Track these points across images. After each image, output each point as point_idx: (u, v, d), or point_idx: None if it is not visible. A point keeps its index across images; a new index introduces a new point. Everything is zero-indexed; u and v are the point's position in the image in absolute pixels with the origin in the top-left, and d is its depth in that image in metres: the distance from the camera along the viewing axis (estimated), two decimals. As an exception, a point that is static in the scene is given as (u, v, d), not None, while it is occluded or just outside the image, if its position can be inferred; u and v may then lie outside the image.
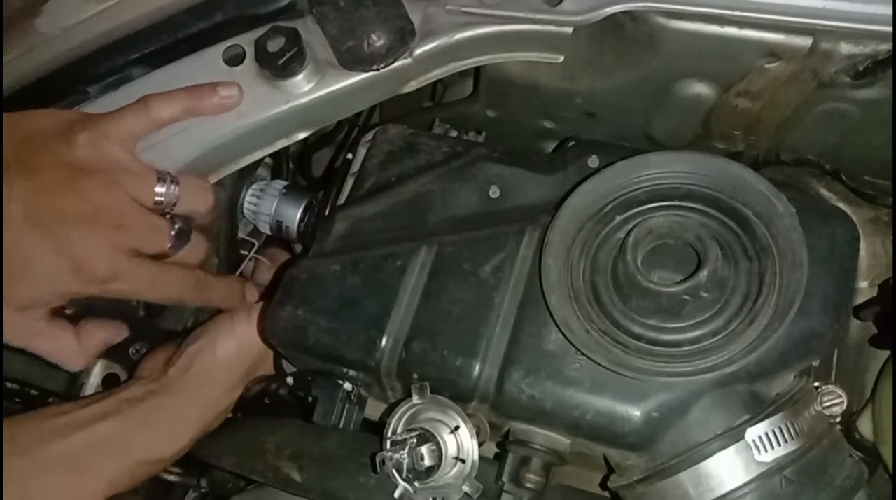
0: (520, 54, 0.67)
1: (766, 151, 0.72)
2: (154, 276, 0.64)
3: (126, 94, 0.68)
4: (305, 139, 0.73)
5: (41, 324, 0.64)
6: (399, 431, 0.55)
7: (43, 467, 0.61)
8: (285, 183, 0.83)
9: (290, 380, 0.72)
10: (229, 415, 0.73)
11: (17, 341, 0.64)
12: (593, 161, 0.62)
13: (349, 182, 0.70)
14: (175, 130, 0.67)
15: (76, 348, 0.67)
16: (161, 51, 0.67)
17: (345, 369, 0.61)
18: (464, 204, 0.64)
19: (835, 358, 0.66)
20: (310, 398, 0.62)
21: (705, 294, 0.52)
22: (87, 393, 0.84)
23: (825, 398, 0.59)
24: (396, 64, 0.64)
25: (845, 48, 0.57)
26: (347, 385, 0.62)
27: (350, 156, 0.74)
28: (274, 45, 0.62)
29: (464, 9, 0.63)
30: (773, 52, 0.59)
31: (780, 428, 0.53)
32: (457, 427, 0.54)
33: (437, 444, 0.53)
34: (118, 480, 0.63)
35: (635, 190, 0.56)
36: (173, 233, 0.64)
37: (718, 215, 0.55)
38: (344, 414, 0.62)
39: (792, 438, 0.53)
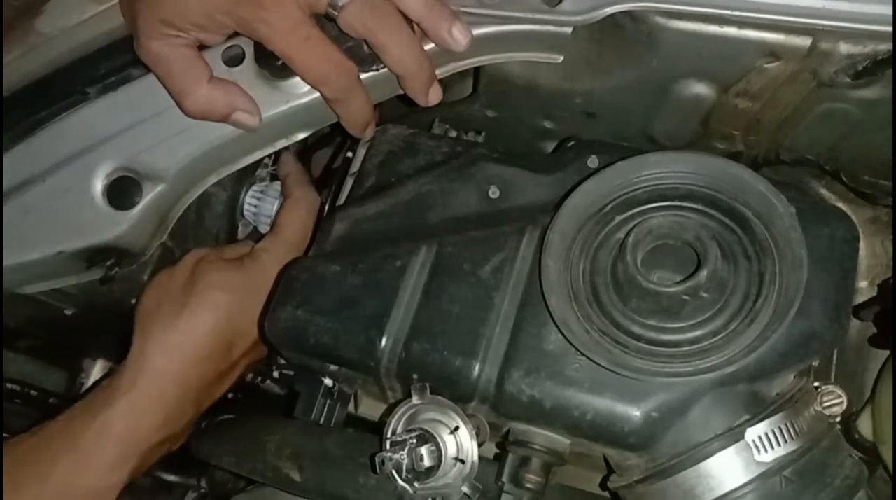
0: (519, 54, 0.67)
1: (766, 151, 0.72)
2: (308, 33, 0.60)
3: (126, 94, 0.68)
4: (305, 139, 0.73)
5: (186, 50, 0.63)
6: (399, 431, 0.55)
7: (53, 451, 0.63)
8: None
9: (275, 374, 0.72)
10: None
11: (153, 62, 0.63)
12: (593, 161, 0.62)
13: (349, 182, 0.70)
14: (175, 130, 0.67)
15: (206, 86, 0.64)
16: (161, 51, 0.67)
17: (330, 366, 0.61)
18: (463, 204, 0.64)
19: (835, 358, 0.66)
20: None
21: (705, 294, 0.52)
22: (86, 393, 0.84)
23: (825, 398, 0.60)
24: (396, 64, 0.64)
25: (845, 48, 0.57)
26: (328, 381, 0.63)
27: (350, 155, 0.74)
28: (273, 45, 0.62)
29: (463, 9, 0.63)
30: (772, 52, 0.59)
31: (779, 428, 0.53)
32: (456, 428, 0.54)
33: (437, 444, 0.53)
34: (124, 461, 0.64)
35: (635, 190, 0.56)
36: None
37: (718, 215, 0.55)
38: (325, 409, 0.63)
39: (792, 438, 0.53)
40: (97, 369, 0.86)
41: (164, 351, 0.66)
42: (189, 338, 0.66)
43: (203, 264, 0.69)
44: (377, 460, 0.53)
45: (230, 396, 0.81)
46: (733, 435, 0.52)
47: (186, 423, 0.68)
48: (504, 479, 0.57)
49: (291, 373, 0.81)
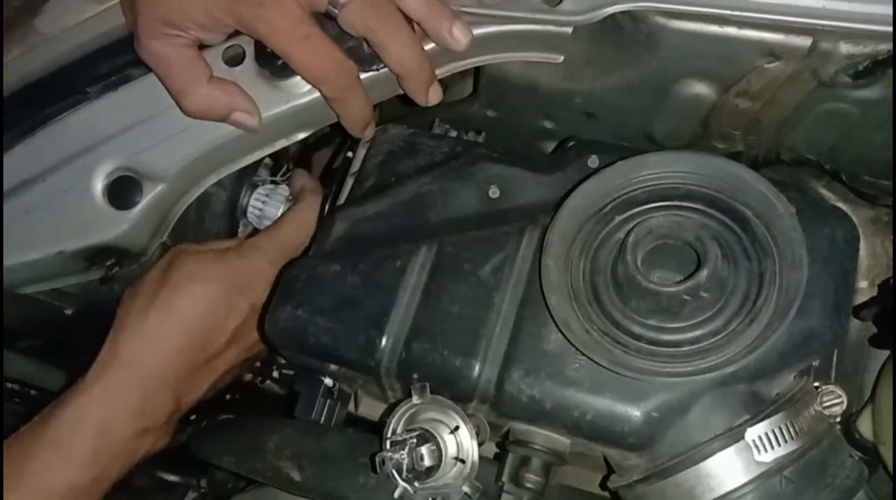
0: (520, 54, 0.67)
1: (766, 151, 0.72)
2: (307, 31, 0.60)
3: (126, 94, 0.68)
4: (305, 139, 0.73)
5: (186, 50, 0.63)
6: (399, 431, 0.55)
7: (28, 447, 0.62)
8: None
9: (275, 374, 0.71)
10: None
11: (153, 61, 0.63)
12: (593, 161, 0.62)
13: (349, 182, 0.70)
14: (175, 130, 0.67)
15: (206, 85, 0.63)
16: (161, 51, 0.67)
17: (330, 366, 0.61)
18: (463, 204, 0.64)
19: (835, 358, 0.66)
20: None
21: (705, 294, 0.52)
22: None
23: (825, 398, 0.59)
24: (396, 64, 0.64)
25: (845, 48, 0.57)
26: (328, 381, 0.63)
27: (350, 155, 0.74)
28: (273, 45, 0.62)
29: (463, 9, 0.63)
30: (772, 52, 0.59)
31: (779, 428, 0.53)
32: (457, 427, 0.54)
33: (437, 444, 0.53)
34: (102, 451, 0.63)
35: (635, 190, 0.56)
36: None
37: (718, 215, 0.55)
38: (325, 409, 0.63)
39: (792, 438, 0.53)
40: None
41: (135, 339, 0.65)
42: (161, 327, 0.65)
43: (182, 255, 0.69)
44: (377, 459, 0.53)
45: (229, 397, 0.81)
46: (733, 435, 0.52)
47: (165, 418, 0.67)
48: (504, 479, 0.57)
49: (291, 373, 0.81)
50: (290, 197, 0.80)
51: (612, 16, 0.60)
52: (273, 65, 0.65)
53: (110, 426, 0.64)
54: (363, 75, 0.65)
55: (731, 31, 0.59)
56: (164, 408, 0.66)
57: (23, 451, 0.62)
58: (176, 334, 0.66)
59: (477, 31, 0.63)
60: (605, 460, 0.59)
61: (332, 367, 0.62)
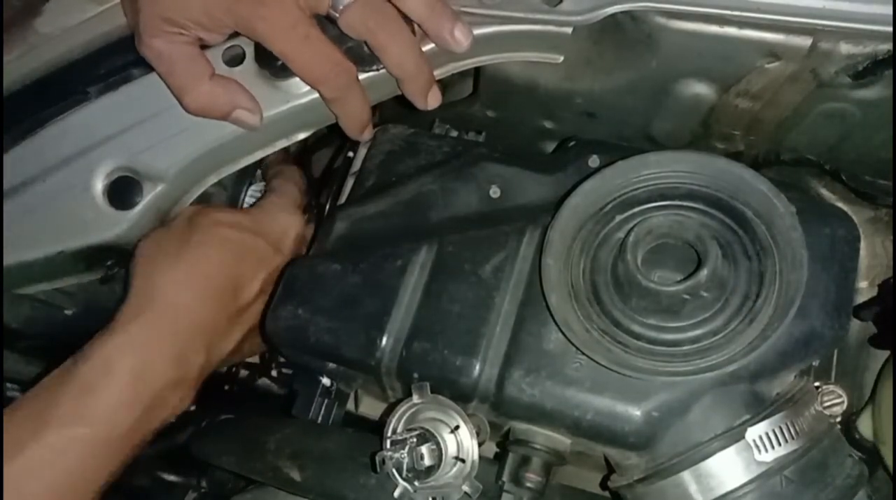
0: (520, 54, 0.67)
1: (766, 151, 0.72)
2: (307, 32, 0.59)
3: (126, 94, 0.68)
4: (305, 139, 0.73)
5: (187, 48, 0.62)
6: (399, 430, 0.55)
7: (53, 395, 0.58)
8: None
9: (274, 373, 0.71)
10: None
11: (155, 59, 0.62)
12: (593, 161, 0.63)
13: (349, 182, 0.70)
14: (175, 130, 0.67)
15: (208, 83, 0.63)
16: (161, 51, 0.67)
17: (330, 365, 0.62)
18: (464, 204, 0.64)
19: (835, 358, 0.66)
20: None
21: (705, 294, 0.52)
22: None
23: (825, 398, 0.60)
24: (396, 64, 0.64)
25: (845, 48, 0.57)
26: (326, 381, 0.63)
27: (350, 155, 0.75)
28: (274, 45, 0.62)
29: (463, 9, 0.63)
30: (772, 52, 0.59)
31: (780, 428, 0.53)
32: (457, 427, 0.54)
33: (437, 444, 0.53)
34: (137, 400, 0.59)
35: (635, 190, 0.56)
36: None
37: (718, 215, 0.55)
38: (323, 409, 0.63)
39: (792, 438, 0.53)
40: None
41: (171, 286, 0.62)
42: (197, 271, 0.64)
43: (204, 209, 0.68)
44: (377, 459, 0.53)
45: (227, 388, 0.81)
46: (733, 435, 0.52)
47: (197, 371, 0.63)
48: (504, 478, 0.57)
49: (290, 372, 0.81)
50: None
51: (612, 16, 0.60)
52: (273, 65, 0.65)
53: (146, 372, 0.59)
54: (362, 76, 0.65)
55: (731, 31, 0.59)
56: (196, 359, 0.63)
57: (48, 399, 0.58)
58: (211, 278, 0.64)
59: (477, 32, 0.63)
60: (606, 460, 0.59)
61: (333, 366, 0.62)
